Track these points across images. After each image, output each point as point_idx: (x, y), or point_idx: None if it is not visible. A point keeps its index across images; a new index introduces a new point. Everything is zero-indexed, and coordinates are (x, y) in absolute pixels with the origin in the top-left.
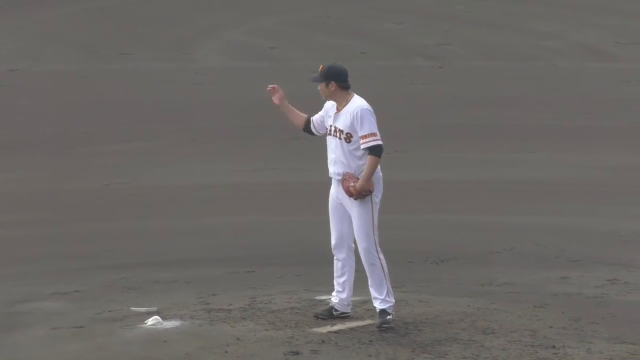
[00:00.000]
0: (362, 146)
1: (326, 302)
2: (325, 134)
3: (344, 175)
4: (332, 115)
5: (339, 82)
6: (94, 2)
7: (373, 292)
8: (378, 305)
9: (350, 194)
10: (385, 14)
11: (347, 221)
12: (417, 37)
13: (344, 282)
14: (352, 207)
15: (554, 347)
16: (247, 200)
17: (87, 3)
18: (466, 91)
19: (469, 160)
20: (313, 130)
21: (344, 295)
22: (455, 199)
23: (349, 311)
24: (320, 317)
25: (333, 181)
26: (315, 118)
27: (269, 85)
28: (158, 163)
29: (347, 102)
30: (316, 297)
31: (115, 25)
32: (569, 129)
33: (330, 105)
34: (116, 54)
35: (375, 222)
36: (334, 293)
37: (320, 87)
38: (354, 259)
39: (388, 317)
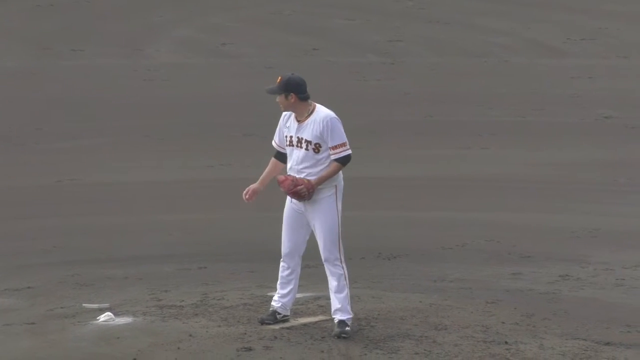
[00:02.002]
0: (333, 157)
1: (270, 307)
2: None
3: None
4: (293, 125)
5: (298, 93)
6: None
7: (334, 302)
8: (338, 316)
9: (299, 195)
10: (337, 10)
11: (304, 232)
12: (368, 34)
13: (290, 289)
14: (318, 217)
15: (506, 342)
16: (200, 197)
17: None
18: (418, 87)
19: (421, 156)
20: (283, 151)
21: (285, 300)
22: (408, 195)
23: (289, 314)
24: (267, 322)
25: None
26: (278, 142)
27: (246, 196)
28: (110, 160)
29: (310, 112)
30: (269, 294)
31: (66, 21)
32: (520, 125)
33: (286, 117)
34: (68, 51)
35: (340, 231)
36: (276, 297)
37: (279, 98)
38: (300, 267)
39: (347, 328)
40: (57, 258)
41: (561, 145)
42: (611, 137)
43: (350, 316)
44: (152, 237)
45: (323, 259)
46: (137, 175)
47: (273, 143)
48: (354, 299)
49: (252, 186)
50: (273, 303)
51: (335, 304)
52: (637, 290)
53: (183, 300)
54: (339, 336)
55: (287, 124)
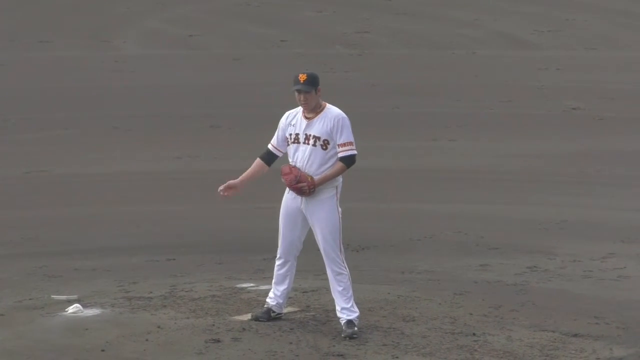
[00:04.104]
0: (340, 154)
1: (264, 304)
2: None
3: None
4: (301, 123)
5: (319, 87)
6: None
7: (339, 302)
8: (345, 316)
9: (300, 191)
10: (305, 2)
11: (300, 231)
12: (336, 25)
13: (284, 289)
14: (319, 218)
15: (474, 334)
16: (168, 188)
17: None
18: (386, 79)
19: (388, 148)
20: (277, 154)
21: (281, 300)
22: (375, 187)
23: (283, 312)
24: (261, 319)
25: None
26: (276, 143)
27: (221, 191)
28: (78, 151)
29: (320, 108)
30: (237, 285)
31: (34, 12)
32: (488, 116)
33: (291, 115)
34: (35, 42)
35: (341, 231)
36: (271, 295)
37: (310, 95)
38: (295, 267)
39: (355, 328)
40: (25, 249)
41: (528, 136)
42: (578, 129)
43: (357, 314)
44: (120, 229)
45: (326, 260)
46: (104, 166)
47: (270, 146)
48: (322, 291)
49: (231, 182)
50: (268, 300)
51: (341, 303)
52: (604, 281)
53: (151, 292)
54: (350, 337)
55: (292, 122)
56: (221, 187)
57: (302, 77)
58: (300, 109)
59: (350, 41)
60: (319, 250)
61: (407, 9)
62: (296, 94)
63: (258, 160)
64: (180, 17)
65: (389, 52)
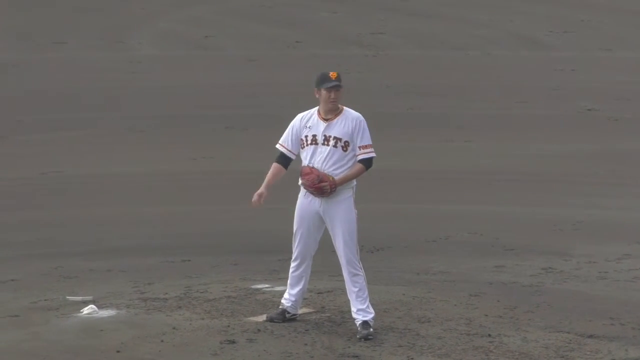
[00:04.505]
0: (360, 157)
1: (279, 305)
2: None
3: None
4: (319, 124)
5: None
6: None
7: (355, 303)
8: (361, 317)
9: (321, 190)
10: (320, 3)
11: (317, 234)
12: (351, 26)
13: (299, 290)
14: (338, 219)
15: (489, 335)
16: (183, 189)
17: None
18: (400, 80)
19: (403, 149)
20: (291, 157)
21: (294, 299)
22: (391, 188)
23: (298, 313)
24: (276, 320)
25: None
26: (289, 145)
27: (256, 201)
28: (94, 152)
29: (339, 110)
30: (252, 286)
31: (49, 13)
32: (503, 117)
33: (306, 117)
34: (50, 43)
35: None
36: (286, 296)
37: (340, 93)
38: (311, 266)
39: (371, 329)
40: (41, 250)
41: (544, 137)
42: (594, 130)
43: (373, 315)
44: (136, 230)
45: (343, 261)
46: (119, 167)
47: (279, 146)
48: (337, 292)
49: (261, 191)
50: (283, 301)
51: (356, 304)
52: (620, 282)
53: (167, 293)
54: (365, 338)
55: (307, 124)
56: (256, 200)
57: (334, 75)
58: (314, 110)
59: (365, 42)
60: (334, 250)
61: (421, 10)
62: (324, 92)
63: (276, 164)
64: (195, 18)
65: (404, 53)
